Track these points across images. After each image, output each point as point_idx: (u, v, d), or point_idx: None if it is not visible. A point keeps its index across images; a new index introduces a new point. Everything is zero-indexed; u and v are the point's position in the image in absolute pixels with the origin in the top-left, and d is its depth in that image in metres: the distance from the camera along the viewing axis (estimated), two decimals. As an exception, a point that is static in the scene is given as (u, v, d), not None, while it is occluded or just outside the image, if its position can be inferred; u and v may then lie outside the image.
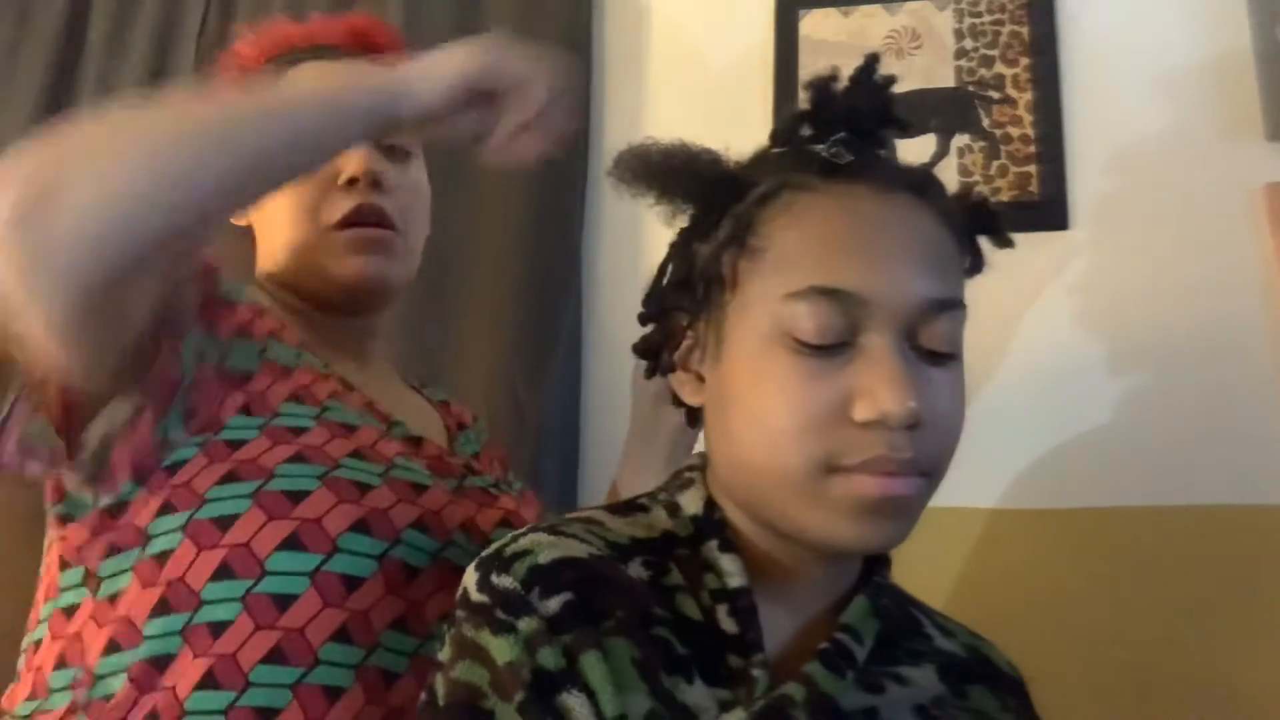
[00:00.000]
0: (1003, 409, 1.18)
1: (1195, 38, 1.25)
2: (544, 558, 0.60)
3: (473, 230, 1.37)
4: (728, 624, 0.61)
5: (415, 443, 0.88)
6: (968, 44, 1.32)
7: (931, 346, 0.61)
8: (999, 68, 1.31)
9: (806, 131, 0.67)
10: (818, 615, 0.66)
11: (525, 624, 0.58)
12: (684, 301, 0.68)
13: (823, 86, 0.66)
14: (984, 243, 0.70)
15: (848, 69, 0.67)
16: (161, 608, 0.73)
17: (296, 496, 0.75)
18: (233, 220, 0.94)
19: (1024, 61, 1.30)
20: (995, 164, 1.28)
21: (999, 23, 1.32)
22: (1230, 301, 1.17)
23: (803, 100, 0.68)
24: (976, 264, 0.69)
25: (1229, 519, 1.11)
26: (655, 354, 0.72)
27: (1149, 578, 1.11)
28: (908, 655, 0.67)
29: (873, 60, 0.67)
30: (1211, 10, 1.25)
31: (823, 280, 0.60)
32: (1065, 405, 1.20)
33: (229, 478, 0.76)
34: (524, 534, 0.63)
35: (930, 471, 0.62)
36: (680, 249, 0.70)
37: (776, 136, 0.69)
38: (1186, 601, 1.10)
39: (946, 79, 1.32)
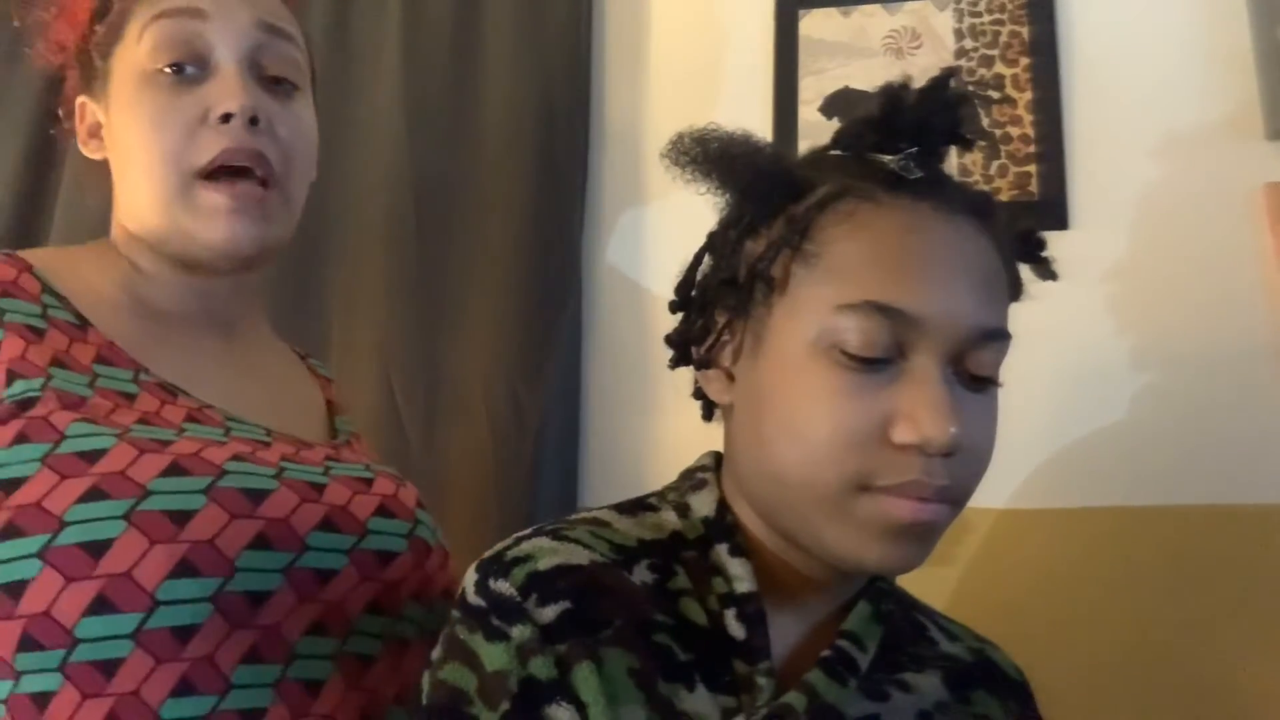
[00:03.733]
0: (1002, 409, 1.18)
1: (1195, 38, 1.25)
2: (544, 564, 0.59)
3: (473, 230, 1.37)
4: (735, 629, 0.61)
5: (262, 443, 0.76)
6: (968, 44, 1.32)
7: (975, 373, 0.60)
8: (999, 68, 1.31)
9: (871, 138, 0.65)
10: (824, 621, 0.66)
11: (519, 632, 0.57)
12: (725, 297, 0.66)
13: (894, 95, 0.64)
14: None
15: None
16: None
17: (97, 548, 0.63)
18: (87, 152, 0.83)
19: (1024, 61, 1.30)
20: (995, 164, 1.28)
21: (999, 23, 1.32)
22: (1230, 301, 1.17)
23: (870, 105, 0.65)
24: (1017, 290, 0.68)
25: (1229, 519, 1.11)
26: (686, 346, 0.70)
27: (1150, 577, 1.11)
28: (912, 661, 0.67)
29: (949, 73, 0.65)
30: (1211, 10, 1.25)
31: (878, 296, 0.58)
32: (1065, 405, 1.20)
33: (7, 533, 0.64)
34: (527, 537, 0.62)
35: (959, 500, 0.61)
36: (724, 242, 0.67)
37: (840, 140, 0.67)
38: (1188, 601, 1.10)
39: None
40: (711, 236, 0.69)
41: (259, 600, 0.68)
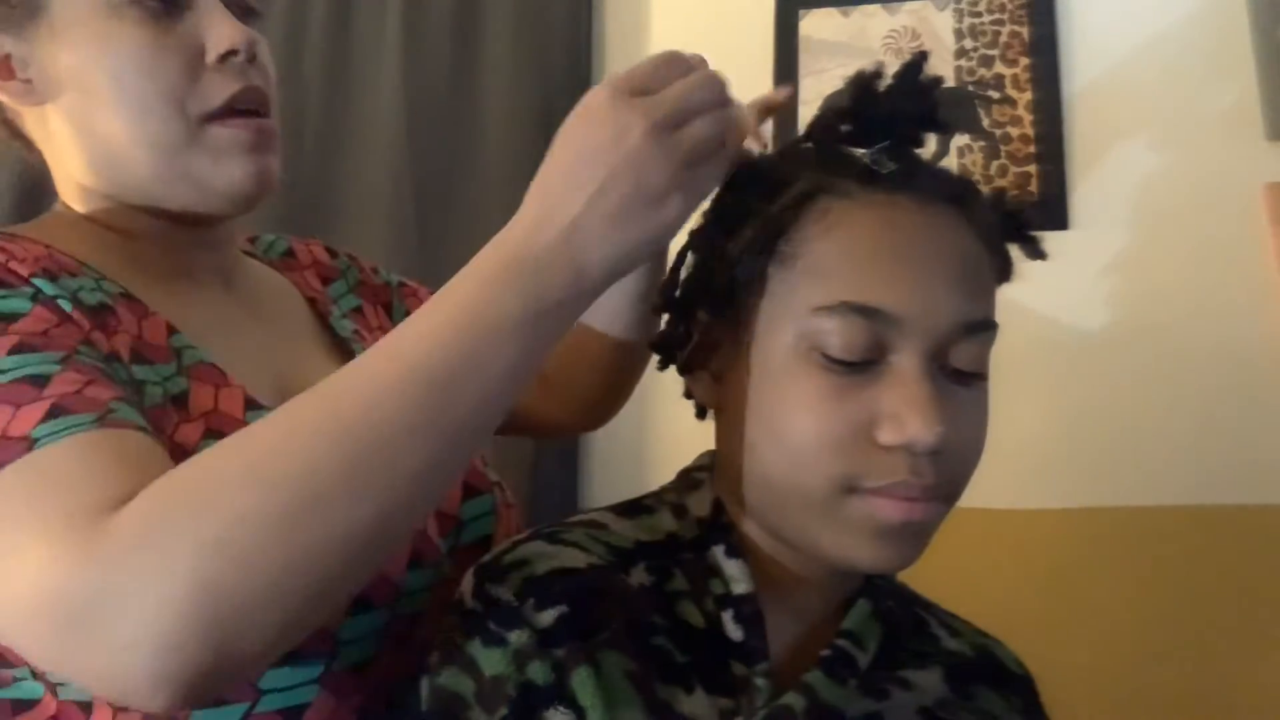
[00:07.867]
0: (1001, 409, 1.18)
1: (1195, 38, 1.25)
2: (540, 569, 0.59)
3: (473, 230, 1.37)
4: (733, 631, 0.60)
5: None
6: (968, 44, 1.32)
7: (960, 367, 0.59)
8: (999, 68, 1.31)
9: (845, 128, 0.63)
10: (822, 620, 0.65)
11: (516, 637, 0.57)
12: (706, 299, 0.64)
13: (866, 84, 0.62)
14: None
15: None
16: None
17: None
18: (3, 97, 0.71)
19: (1024, 61, 1.30)
20: (995, 164, 1.28)
21: (999, 23, 1.32)
22: (1230, 301, 1.17)
23: (842, 95, 0.63)
24: (1006, 272, 0.66)
25: (1229, 519, 1.11)
26: (671, 348, 0.69)
27: (1150, 577, 1.11)
28: (912, 658, 0.66)
29: (920, 59, 0.62)
30: (1211, 10, 1.25)
31: (856, 296, 0.57)
32: (1065, 405, 1.20)
33: None
34: (523, 541, 0.62)
35: (950, 497, 0.60)
36: (704, 241, 0.65)
37: (813, 132, 0.65)
38: (1187, 601, 1.10)
39: (946, 79, 1.32)
40: (692, 236, 0.67)
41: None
